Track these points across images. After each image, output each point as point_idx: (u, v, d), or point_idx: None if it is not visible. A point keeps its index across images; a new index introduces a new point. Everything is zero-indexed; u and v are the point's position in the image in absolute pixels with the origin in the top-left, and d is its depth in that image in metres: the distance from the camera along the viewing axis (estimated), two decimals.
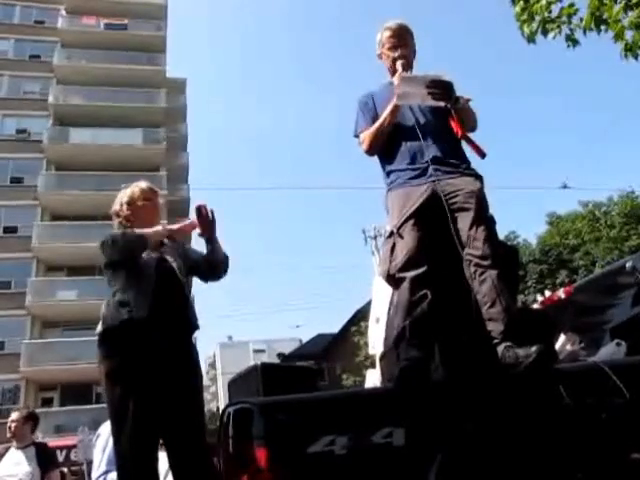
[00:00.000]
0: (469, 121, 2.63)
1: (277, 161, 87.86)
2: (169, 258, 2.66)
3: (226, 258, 2.79)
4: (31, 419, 4.21)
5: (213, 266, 2.76)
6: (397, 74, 2.59)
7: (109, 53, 26.39)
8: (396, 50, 2.70)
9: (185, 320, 2.56)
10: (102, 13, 27.32)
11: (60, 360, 20.69)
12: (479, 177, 2.56)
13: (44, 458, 4.14)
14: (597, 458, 1.96)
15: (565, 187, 21.09)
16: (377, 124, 2.62)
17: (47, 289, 22.50)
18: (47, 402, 21.57)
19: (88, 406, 19.70)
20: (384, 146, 2.66)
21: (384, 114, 2.61)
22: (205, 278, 2.84)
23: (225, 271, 2.81)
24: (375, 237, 19.30)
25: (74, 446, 12.72)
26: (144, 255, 2.59)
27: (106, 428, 3.52)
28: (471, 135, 2.62)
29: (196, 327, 2.64)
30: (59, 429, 18.75)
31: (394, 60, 2.68)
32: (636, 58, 4.17)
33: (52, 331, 22.59)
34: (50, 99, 25.34)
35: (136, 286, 2.50)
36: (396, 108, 2.57)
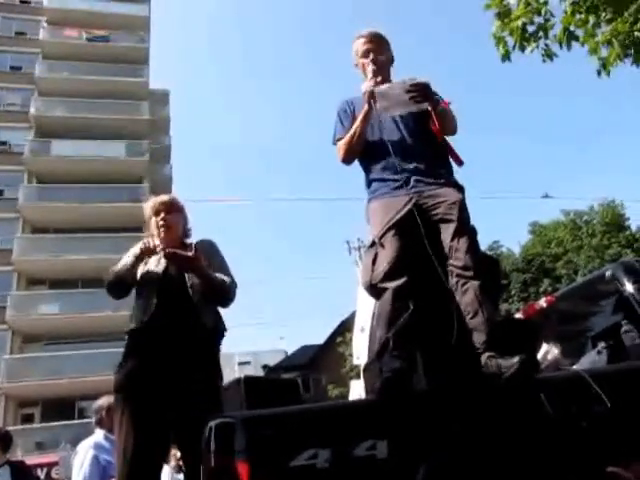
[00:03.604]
0: (449, 124, 2.62)
1: (263, 172, 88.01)
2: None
3: (221, 286, 2.65)
4: None
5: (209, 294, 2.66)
6: (366, 83, 2.58)
7: (91, 65, 26.28)
8: (368, 56, 2.69)
9: (193, 327, 2.54)
10: (84, 25, 27.25)
11: (41, 375, 20.32)
12: (461, 188, 2.57)
13: (19, 477, 4.06)
14: (578, 467, 1.97)
15: (547, 197, 21.32)
16: (350, 132, 2.61)
17: (28, 303, 22.15)
18: (28, 418, 21.13)
19: (70, 422, 19.37)
20: (361, 154, 2.65)
21: (356, 122, 2.60)
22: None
23: (223, 298, 2.70)
24: (359, 248, 19.35)
25: (56, 463, 12.51)
26: (153, 267, 2.69)
27: (83, 445, 3.48)
28: (450, 141, 2.63)
29: (213, 331, 2.63)
30: (40, 446, 18.38)
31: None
32: (608, 74, 4.25)
33: (33, 346, 22.20)
34: (32, 111, 25.14)
35: (139, 301, 2.63)
36: (367, 114, 2.55)
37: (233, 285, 2.72)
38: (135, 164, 25.64)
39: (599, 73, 4.23)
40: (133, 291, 2.73)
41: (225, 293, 2.68)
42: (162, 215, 2.75)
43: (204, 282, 2.62)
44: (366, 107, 2.55)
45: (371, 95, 2.51)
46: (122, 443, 2.41)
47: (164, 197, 2.86)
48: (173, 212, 2.79)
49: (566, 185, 58.66)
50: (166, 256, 2.61)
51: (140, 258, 2.67)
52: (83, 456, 3.38)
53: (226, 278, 2.68)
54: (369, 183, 2.65)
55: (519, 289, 25.83)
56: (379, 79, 2.58)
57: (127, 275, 2.66)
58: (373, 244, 2.49)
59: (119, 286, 2.70)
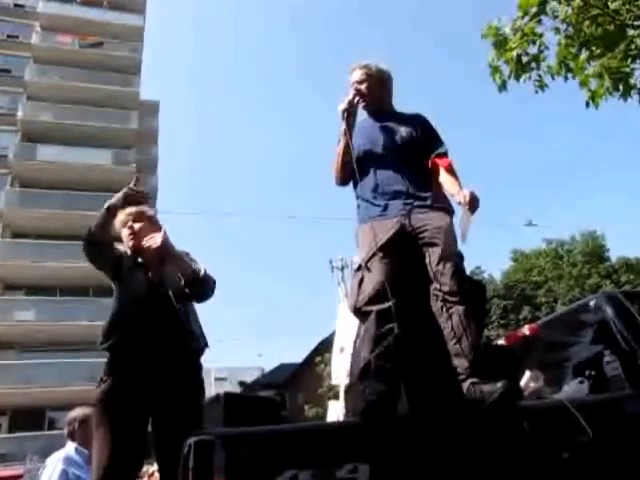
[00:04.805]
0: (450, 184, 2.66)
1: (247, 185, 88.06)
2: (167, 280, 2.65)
3: (197, 275, 2.66)
4: None
5: (187, 284, 2.65)
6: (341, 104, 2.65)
7: (83, 72, 26.17)
8: (355, 84, 2.76)
9: (177, 343, 2.51)
10: (78, 32, 27.18)
11: (12, 383, 19.79)
12: (449, 212, 2.58)
13: None
14: None
15: (530, 225, 21.64)
16: (336, 154, 2.70)
17: (4, 308, 21.70)
18: None
19: (39, 432, 18.89)
20: (352, 176, 2.69)
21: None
22: (192, 297, 2.72)
23: (201, 289, 2.70)
24: (342, 268, 19.30)
25: (20, 476, 12.12)
26: (139, 277, 2.64)
27: (53, 459, 3.37)
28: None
29: (194, 349, 2.61)
30: (5, 458, 17.83)
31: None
32: (597, 107, 4.36)
33: (6, 353, 21.65)
34: (19, 115, 24.89)
35: (120, 310, 2.57)
36: (344, 135, 2.63)
37: (210, 276, 2.72)
38: (121, 173, 25.35)
39: (587, 104, 4.33)
40: (111, 304, 2.66)
41: (199, 280, 2.66)
42: (129, 224, 2.74)
43: (176, 262, 2.65)
44: (342, 126, 2.63)
45: (344, 112, 2.61)
46: (97, 456, 2.37)
47: (132, 208, 2.81)
48: (141, 221, 2.77)
49: (550, 213, 59.52)
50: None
51: (112, 213, 2.63)
52: (52, 470, 3.27)
53: (201, 267, 2.69)
54: (359, 205, 2.69)
55: (499, 315, 26.00)
56: (356, 99, 2.67)
57: (100, 233, 2.62)
58: (360, 268, 2.50)
59: (93, 244, 2.63)
